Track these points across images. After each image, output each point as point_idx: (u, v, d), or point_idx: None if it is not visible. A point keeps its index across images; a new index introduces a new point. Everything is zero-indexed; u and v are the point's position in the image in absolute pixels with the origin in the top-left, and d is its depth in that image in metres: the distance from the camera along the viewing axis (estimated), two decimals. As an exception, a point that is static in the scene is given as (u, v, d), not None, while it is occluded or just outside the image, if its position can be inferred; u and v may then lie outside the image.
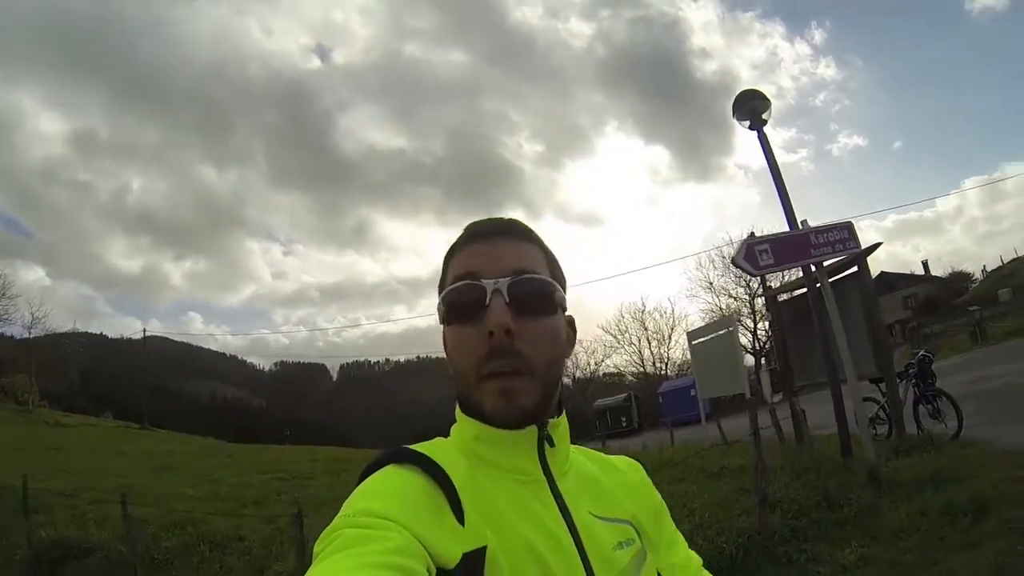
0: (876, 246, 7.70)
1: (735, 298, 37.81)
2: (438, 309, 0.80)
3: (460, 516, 0.66)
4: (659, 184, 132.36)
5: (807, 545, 5.02)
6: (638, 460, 0.94)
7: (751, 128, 7.86)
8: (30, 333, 45.17)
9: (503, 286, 0.74)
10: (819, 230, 6.79)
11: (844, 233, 6.85)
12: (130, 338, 60.90)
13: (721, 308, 37.90)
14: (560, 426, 0.81)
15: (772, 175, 7.82)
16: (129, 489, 9.85)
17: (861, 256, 7.46)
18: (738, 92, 8.09)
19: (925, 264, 56.67)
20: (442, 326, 0.81)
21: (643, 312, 47.99)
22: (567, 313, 0.84)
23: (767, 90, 8.77)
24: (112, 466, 15.86)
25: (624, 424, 34.43)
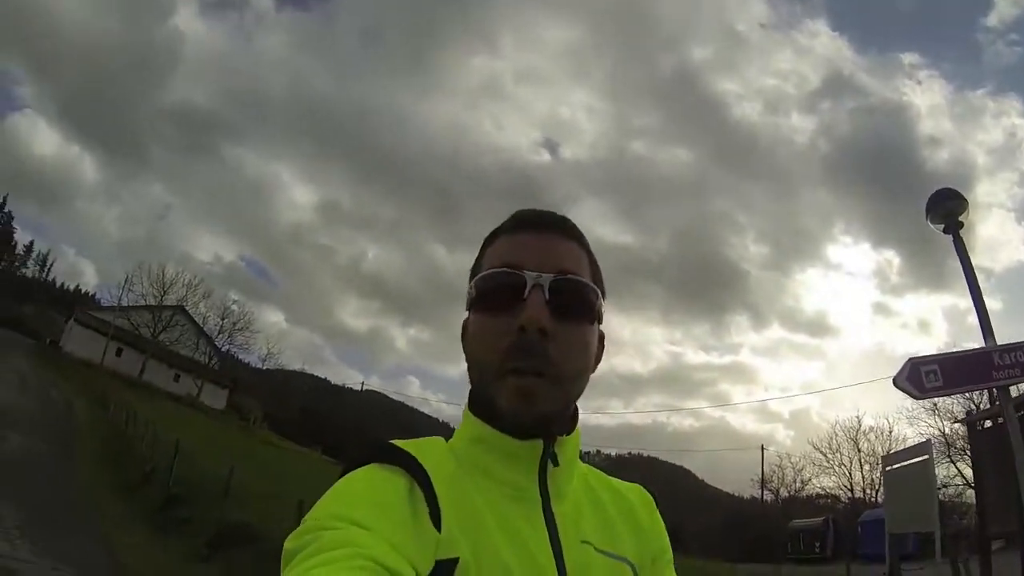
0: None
1: (963, 420, 32.23)
2: (468, 293, 0.76)
3: (438, 522, 0.63)
4: (888, 292, 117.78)
5: None
6: None
7: (945, 232, 7.12)
8: (264, 365, 53.70)
9: (545, 282, 0.71)
10: (1006, 348, 5.87)
11: (1042, 354, 5.86)
12: (351, 387, 68.15)
13: (944, 435, 32.58)
14: (569, 445, 0.76)
15: (968, 284, 6.98)
16: (313, 501, 11.28)
17: (1077, 385, 6.28)
18: (933, 192, 7.45)
19: None
20: (467, 311, 0.78)
21: (857, 431, 43.03)
22: (600, 326, 0.81)
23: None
24: (308, 486, 17.78)
25: (817, 550, 30.72)
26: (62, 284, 78.62)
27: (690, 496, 52.89)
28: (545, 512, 0.71)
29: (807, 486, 46.59)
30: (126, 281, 46.73)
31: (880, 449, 40.12)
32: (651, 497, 0.86)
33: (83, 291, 76.12)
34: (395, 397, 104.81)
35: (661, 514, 0.86)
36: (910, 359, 6.32)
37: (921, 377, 6.06)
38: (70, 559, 7.50)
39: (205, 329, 49.92)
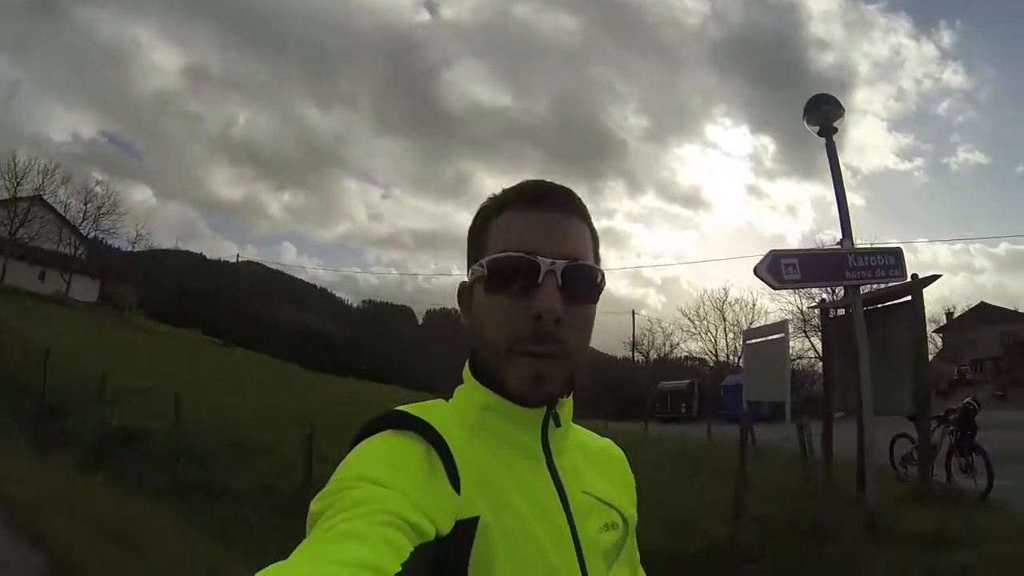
0: (933, 278, 7.17)
1: (817, 306, 36.07)
2: (475, 269, 0.77)
3: (456, 484, 0.66)
4: (762, 175, 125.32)
5: (773, 570, 4.91)
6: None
7: (820, 135, 7.46)
8: (134, 247, 50.06)
9: (558, 269, 0.72)
10: (860, 252, 6.42)
11: (890, 260, 6.44)
12: (227, 260, 65.69)
13: (802, 312, 36.30)
14: (567, 406, 0.80)
15: (835, 187, 7.41)
16: (193, 394, 11.01)
17: (916, 287, 6.99)
18: (813, 95, 7.67)
19: (1033, 302, 50.85)
20: (471, 285, 0.79)
21: (724, 302, 46.92)
22: None
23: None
24: (186, 373, 17.19)
25: (683, 410, 34.02)
26: None
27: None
28: (549, 467, 0.77)
29: (675, 350, 50.84)
30: (-30, 177, 41.06)
31: (744, 320, 44.33)
32: (623, 453, 0.94)
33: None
34: (272, 266, 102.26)
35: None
36: (771, 251, 6.72)
37: (781, 269, 6.51)
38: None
39: (67, 217, 45.17)
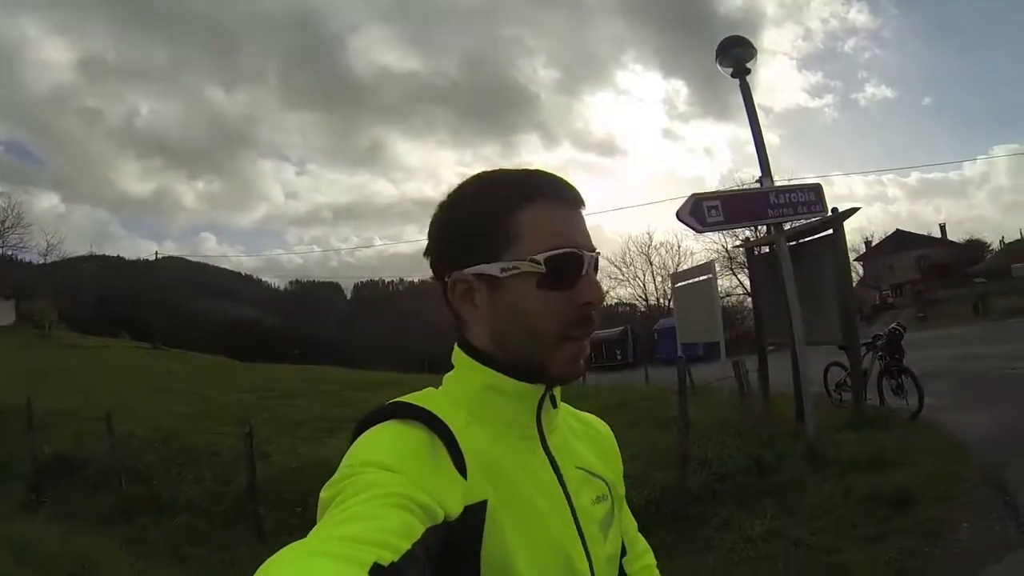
0: (853, 211, 7.37)
1: (742, 244, 37.43)
2: (519, 265, 0.75)
3: (462, 470, 0.67)
4: (676, 119, 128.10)
5: (722, 509, 5.03)
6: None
7: (734, 76, 7.46)
8: (46, 259, 46.94)
9: (592, 261, 0.78)
10: (781, 190, 6.52)
11: (810, 195, 6.57)
12: (146, 260, 62.32)
13: (728, 251, 37.47)
14: (558, 388, 0.83)
15: (751, 127, 7.46)
16: (124, 408, 10.62)
17: (837, 220, 7.18)
18: (724, 37, 7.66)
19: (943, 227, 54.49)
20: (500, 278, 0.76)
21: (649, 247, 47.85)
22: None
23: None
24: (116, 386, 16.52)
25: (619, 357, 34.79)
26: None
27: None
28: (543, 445, 0.79)
29: (605, 298, 51.92)
30: None
31: (670, 263, 45.30)
32: (609, 428, 0.99)
33: None
34: (193, 259, 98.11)
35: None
36: (693, 195, 6.67)
37: (704, 212, 6.51)
38: None
39: (-30, 238, 41.60)
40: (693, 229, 6.71)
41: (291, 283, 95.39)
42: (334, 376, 19.99)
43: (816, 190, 6.67)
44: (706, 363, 13.43)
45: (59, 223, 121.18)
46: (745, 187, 7.01)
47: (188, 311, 55.88)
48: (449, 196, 0.82)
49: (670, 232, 50.04)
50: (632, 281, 48.78)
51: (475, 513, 0.66)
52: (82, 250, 79.62)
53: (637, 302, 49.54)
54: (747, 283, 32.10)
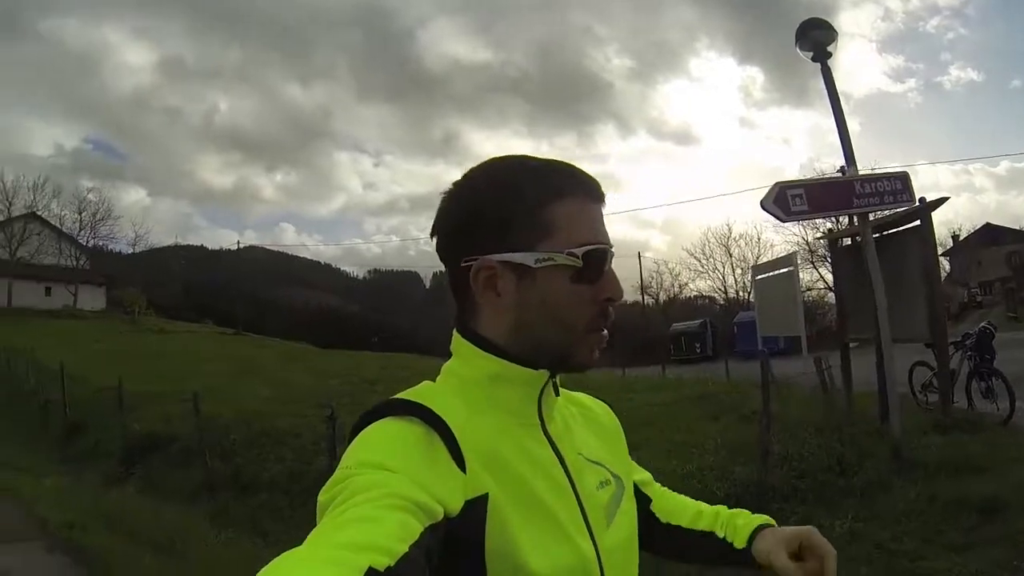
0: (942, 200, 6.99)
1: (824, 236, 35.79)
2: (560, 258, 0.75)
3: (461, 464, 0.67)
4: (752, 106, 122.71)
5: (802, 507, 4.94)
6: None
7: (814, 60, 7.18)
8: (135, 248, 50.20)
9: (612, 256, 0.80)
10: (867, 179, 6.24)
11: (897, 184, 6.27)
12: (228, 249, 65.75)
13: (808, 243, 35.92)
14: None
15: (834, 114, 7.18)
16: (210, 390, 11.21)
17: (925, 210, 6.83)
18: (803, 20, 7.39)
19: (1036, 220, 49.76)
20: (545, 270, 0.76)
21: (728, 238, 46.60)
22: None
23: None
24: (202, 370, 17.47)
25: (698, 350, 34.05)
26: None
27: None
28: (544, 432, 0.79)
29: (684, 290, 50.73)
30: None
31: (750, 255, 44.03)
32: (609, 407, 0.99)
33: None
34: (273, 248, 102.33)
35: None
36: (778, 183, 6.48)
37: (788, 200, 6.33)
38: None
39: (64, 230, 45.39)
40: (777, 218, 6.56)
41: (370, 272, 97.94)
42: (412, 363, 20.51)
43: (903, 179, 6.36)
44: (786, 358, 12.98)
45: (145, 215, 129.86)
46: (829, 176, 6.74)
47: (269, 299, 58.31)
48: (471, 177, 0.81)
49: (749, 223, 48.56)
50: (711, 273, 47.91)
51: (476, 507, 0.66)
52: (167, 240, 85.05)
53: (716, 294, 48.46)
54: (828, 277, 30.87)
